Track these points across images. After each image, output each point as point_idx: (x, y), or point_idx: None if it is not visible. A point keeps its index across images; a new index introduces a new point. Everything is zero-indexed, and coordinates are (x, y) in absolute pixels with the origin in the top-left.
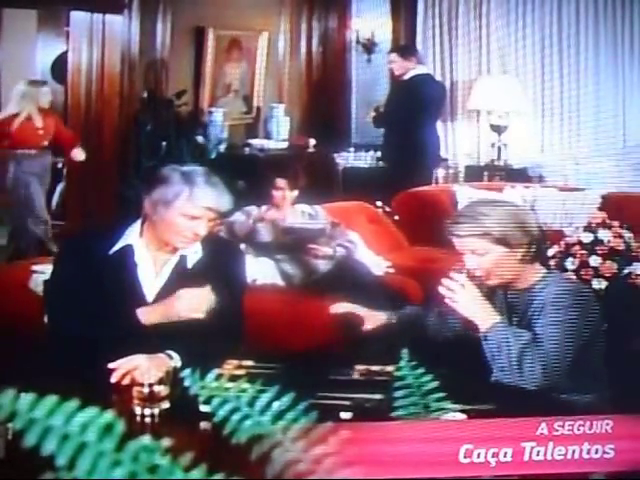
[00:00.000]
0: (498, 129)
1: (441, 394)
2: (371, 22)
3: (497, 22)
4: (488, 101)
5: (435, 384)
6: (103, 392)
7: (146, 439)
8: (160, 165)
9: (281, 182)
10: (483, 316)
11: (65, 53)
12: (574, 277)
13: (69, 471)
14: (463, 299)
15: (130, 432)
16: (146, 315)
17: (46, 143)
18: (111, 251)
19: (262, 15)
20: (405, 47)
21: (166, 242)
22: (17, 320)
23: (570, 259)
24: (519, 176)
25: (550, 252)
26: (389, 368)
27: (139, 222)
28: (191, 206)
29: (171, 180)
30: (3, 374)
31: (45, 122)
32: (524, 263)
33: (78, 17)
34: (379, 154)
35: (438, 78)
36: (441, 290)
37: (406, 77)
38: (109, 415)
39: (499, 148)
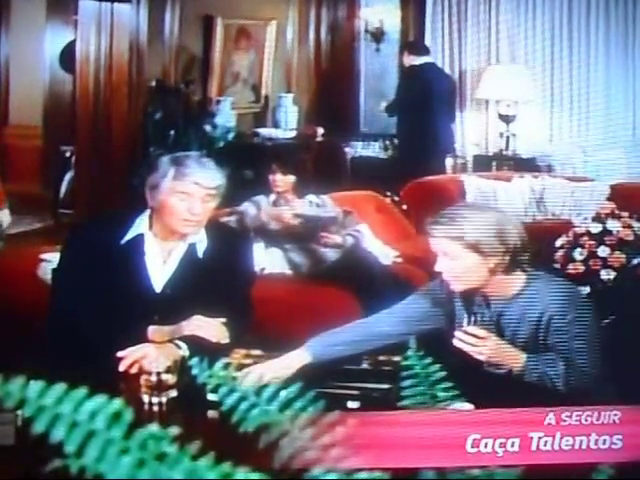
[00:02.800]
0: (507, 119)
1: (448, 384)
2: (380, 11)
3: (507, 10)
4: (497, 90)
5: (443, 374)
6: (111, 380)
7: (154, 427)
8: (167, 154)
9: (283, 170)
10: (512, 358)
11: (73, 42)
12: (557, 273)
13: (78, 458)
14: (487, 350)
15: (138, 420)
16: (156, 334)
17: None
18: (123, 240)
19: (271, 4)
20: (414, 43)
21: (171, 228)
22: (26, 308)
23: (578, 249)
24: (527, 166)
25: (558, 242)
26: (396, 358)
27: (148, 212)
28: (179, 183)
29: (160, 165)
30: (13, 362)
31: None
32: (499, 273)
33: (87, 6)
34: (387, 143)
35: (447, 67)
36: (459, 345)
37: (407, 65)
38: (117, 403)
39: (507, 138)
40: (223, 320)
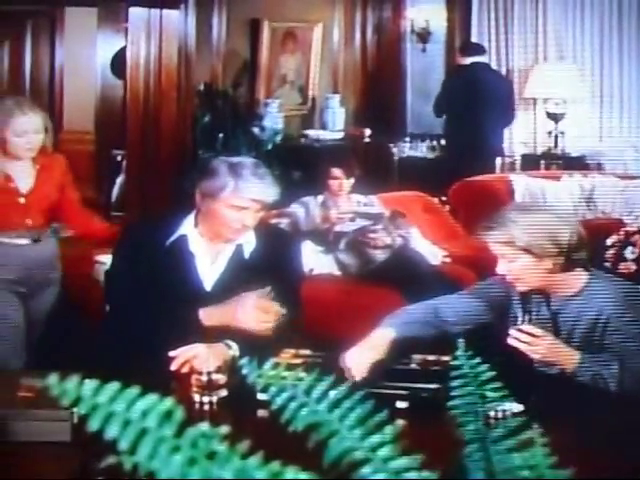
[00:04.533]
0: (555, 117)
1: (497, 384)
2: (426, 11)
3: (554, 7)
4: (545, 89)
5: (492, 374)
6: (163, 380)
7: (204, 426)
8: (215, 157)
9: (337, 172)
10: (566, 357)
11: (124, 48)
12: (617, 274)
13: (131, 455)
14: (542, 349)
15: (189, 419)
16: (207, 315)
17: (31, 223)
18: (168, 242)
19: (317, 6)
20: (464, 43)
21: (217, 232)
22: (82, 309)
23: (630, 248)
24: (577, 164)
25: (609, 241)
26: (445, 357)
27: (193, 213)
28: (237, 198)
29: (218, 172)
30: (69, 361)
31: (37, 184)
32: (557, 272)
33: (136, 13)
34: (435, 143)
35: (493, 66)
36: (515, 344)
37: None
38: (169, 402)
39: (556, 136)
40: (276, 304)
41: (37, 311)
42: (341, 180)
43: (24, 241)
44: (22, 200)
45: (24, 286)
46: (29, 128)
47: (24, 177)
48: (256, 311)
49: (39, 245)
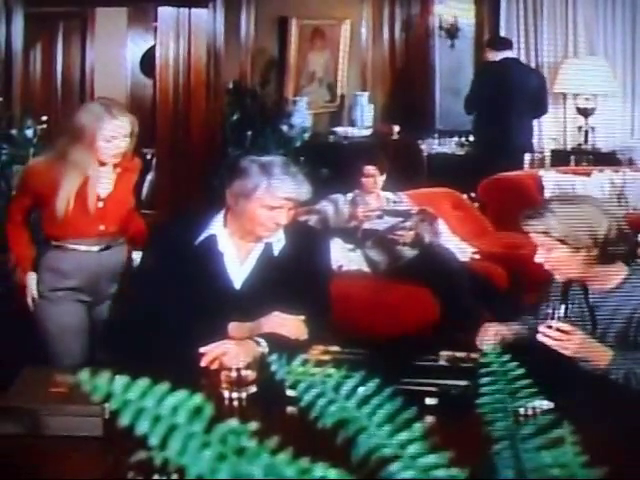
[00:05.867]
0: (585, 112)
1: (527, 381)
2: (454, 7)
3: (584, 1)
4: (575, 84)
5: (521, 371)
6: (193, 376)
7: (234, 422)
8: (245, 155)
9: (371, 168)
10: (598, 354)
11: (153, 47)
12: None
13: (161, 450)
14: (573, 345)
15: (218, 415)
16: (236, 330)
17: (104, 229)
18: (197, 241)
19: (344, 3)
20: (493, 37)
21: (249, 231)
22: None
23: None
24: (607, 160)
25: None
26: (475, 354)
27: (222, 212)
28: (270, 197)
29: (250, 172)
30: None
31: (115, 189)
32: (594, 264)
33: (165, 12)
34: (464, 140)
35: (523, 61)
36: (545, 340)
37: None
38: (198, 398)
39: (586, 132)
40: (302, 317)
41: (101, 322)
42: (375, 177)
43: (93, 248)
44: (100, 205)
45: (89, 295)
46: (118, 133)
47: (104, 181)
48: (284, 328)
49: (107, 253)
